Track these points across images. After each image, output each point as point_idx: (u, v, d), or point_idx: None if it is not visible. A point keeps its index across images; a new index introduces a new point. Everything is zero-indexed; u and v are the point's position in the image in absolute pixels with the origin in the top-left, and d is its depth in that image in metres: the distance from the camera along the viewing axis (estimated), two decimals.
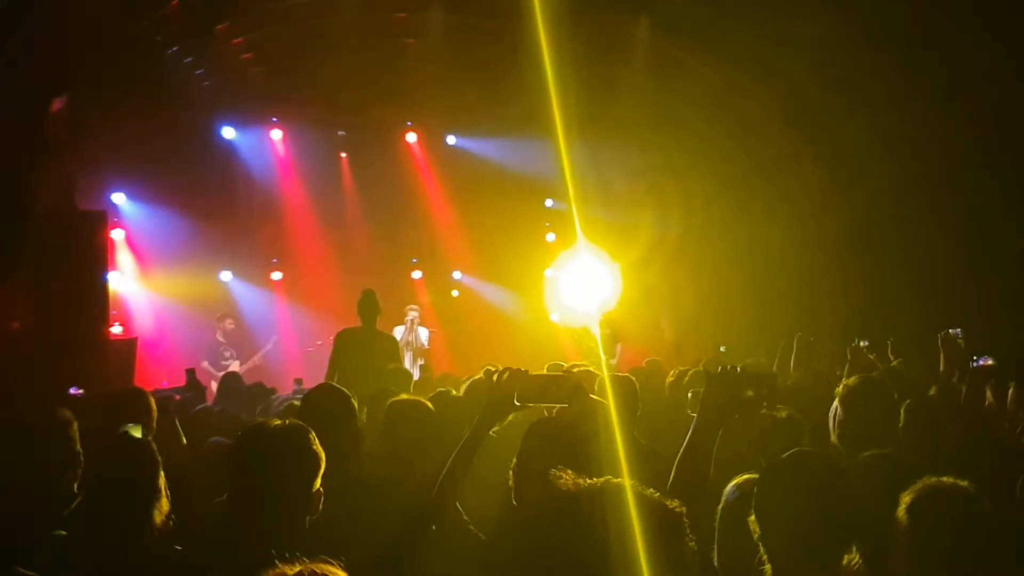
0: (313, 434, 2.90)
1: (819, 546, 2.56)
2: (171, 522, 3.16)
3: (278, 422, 2.92)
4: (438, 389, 5.68)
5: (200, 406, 6.70)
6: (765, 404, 3.27)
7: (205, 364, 12.75)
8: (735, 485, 3.21)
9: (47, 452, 3.29)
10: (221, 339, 13.49)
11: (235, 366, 12.75)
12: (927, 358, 6.93)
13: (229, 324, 13.62)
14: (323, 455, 2.87)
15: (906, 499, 2.83)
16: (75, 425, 3.46)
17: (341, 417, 3.86)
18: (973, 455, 4.06)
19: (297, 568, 1.85)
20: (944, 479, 2.86)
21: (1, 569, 2.74)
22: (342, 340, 9.06)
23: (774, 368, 7.15)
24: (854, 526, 2.61)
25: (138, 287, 13.85)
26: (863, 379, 4.49)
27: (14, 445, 3.33)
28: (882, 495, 2.93)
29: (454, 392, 5.57)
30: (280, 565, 1.85)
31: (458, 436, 3.17)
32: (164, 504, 3.16)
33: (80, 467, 3.31)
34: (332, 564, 1.89)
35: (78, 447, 3.39)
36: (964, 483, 2.83)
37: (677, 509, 1.89)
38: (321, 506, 2.86)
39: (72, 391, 6.95)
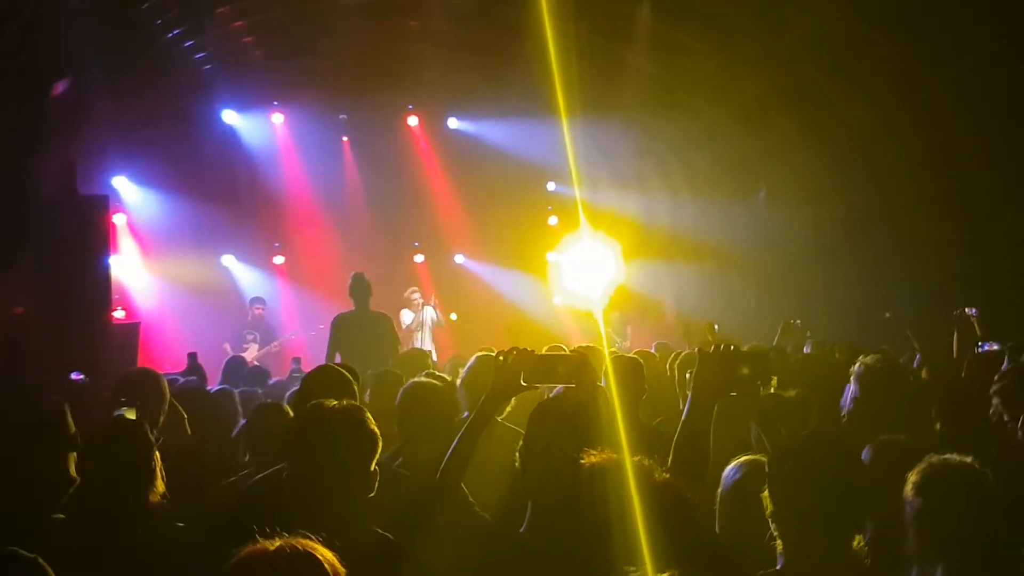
0: (368, 414, 2.91)
1: (830, 528, 2.56)
2: (166, 502, 3.18)
3: (335, 402, 2.92)
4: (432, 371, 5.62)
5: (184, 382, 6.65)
6: (760, 382, 3.26)
7: (226, 345, 12.77)
8: (735, 465, 3.20)
9: (43, 438, 3.28)
10: (249, 323, 13.51)
11: (254, 350, 12.82)
12: (933, 341, 6.89)
13: (257, 311, 13.62)
14: (379, 435, 2.88)
15: (913, 478, 2.82)
16: (68, 410, 3.45)
17: (342, 398, 3.81)
18: (972, 441, 4.02)
19: (277, 543, 1.85)
20: (949, 457, 2.85)
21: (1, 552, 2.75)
22: (339, 324, 9.19)
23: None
24: (866, 509, 2.61)
25: (140, 271, 13.84)
26: (883, 360, 4.42)
27: (10, 432, 3.33)
28: (895, 480, 2.92)
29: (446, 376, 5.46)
30: (261, 540, 1.85)
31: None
32: (159, 485, 3.18)
33: (76, 452, 3.30)
34: (312, 539, 1.88)
35: (73, 432, 3.38)
36: (969, 459, 2.83)
37: (676, 483, 1.90)
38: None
39: (74, 376, 6.90)
